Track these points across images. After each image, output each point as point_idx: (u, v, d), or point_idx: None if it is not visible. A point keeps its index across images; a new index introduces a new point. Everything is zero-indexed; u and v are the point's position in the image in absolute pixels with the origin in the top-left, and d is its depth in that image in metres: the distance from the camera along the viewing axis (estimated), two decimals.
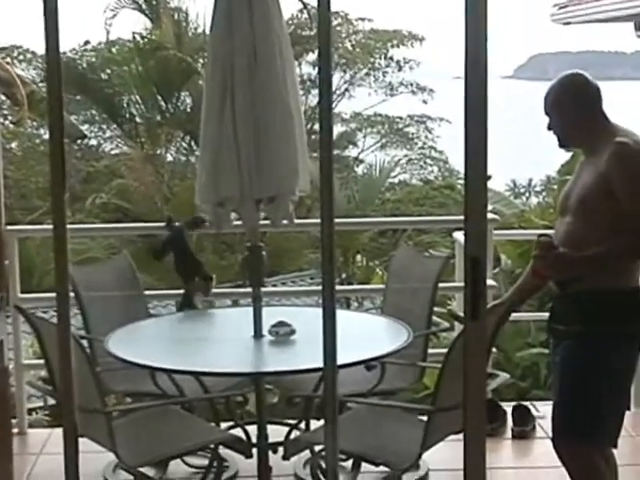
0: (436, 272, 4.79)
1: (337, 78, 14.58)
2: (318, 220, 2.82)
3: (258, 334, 4.40)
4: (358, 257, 12.46)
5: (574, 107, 3.66)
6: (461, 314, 3.41)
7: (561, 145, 3.83)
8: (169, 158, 14.09)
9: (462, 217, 2.72)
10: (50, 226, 2.86)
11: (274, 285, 11.14)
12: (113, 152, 15.02)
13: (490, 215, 5.52)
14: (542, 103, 3.84)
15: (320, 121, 2.82)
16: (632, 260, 3.60)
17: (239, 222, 4.56)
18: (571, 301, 3.71)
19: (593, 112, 3.66)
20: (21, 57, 12.57)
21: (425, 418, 3.86)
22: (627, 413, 3.85)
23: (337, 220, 5.29)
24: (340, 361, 2.88)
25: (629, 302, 3.63)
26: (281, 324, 4.36)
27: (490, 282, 4.88)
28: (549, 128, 3.75)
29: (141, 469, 4.08)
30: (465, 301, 2.84)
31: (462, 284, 2.94)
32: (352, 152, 15.67)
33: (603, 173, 3.50)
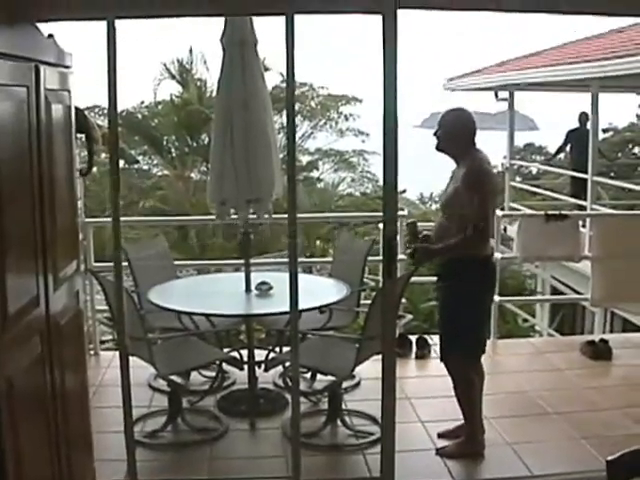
0: (366, 249, 5.06)
1: (305, 125, 18.45)
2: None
3: (248, 290, 4.69)
4: (318, 242, 15.09)
5: (453, 124, 3.84)
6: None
7: (437, 148, 3.93)
8: (194, 177, 16.99)
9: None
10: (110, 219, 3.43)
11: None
12: (158, 174, 18.13)
13: (401, 212, 5.58)
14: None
15: (288, 151, 3.33)
16: (471, 244, 3.80)
17: (235, 216, 4.81)
18: (442, 265, 4.00)
19: (464, 133, 3.81)
20: (100, 112, 15.67)
21: (357, 345, 4.11)
22: (488, 342, 4.18)
23: (301, 215, 5.39)
24: (301, 306, 3.29)
25: (480, 265, 3.88)
26: (263, 283, 4.67)
27: (401, 256, 4.80)
28: (435, 135, 3.90)
29: (172, 377, 4.39)
30: (383, 266, 3.16)
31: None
32: (315, 174, 19.35)
33: (459, 184, 3.76)
